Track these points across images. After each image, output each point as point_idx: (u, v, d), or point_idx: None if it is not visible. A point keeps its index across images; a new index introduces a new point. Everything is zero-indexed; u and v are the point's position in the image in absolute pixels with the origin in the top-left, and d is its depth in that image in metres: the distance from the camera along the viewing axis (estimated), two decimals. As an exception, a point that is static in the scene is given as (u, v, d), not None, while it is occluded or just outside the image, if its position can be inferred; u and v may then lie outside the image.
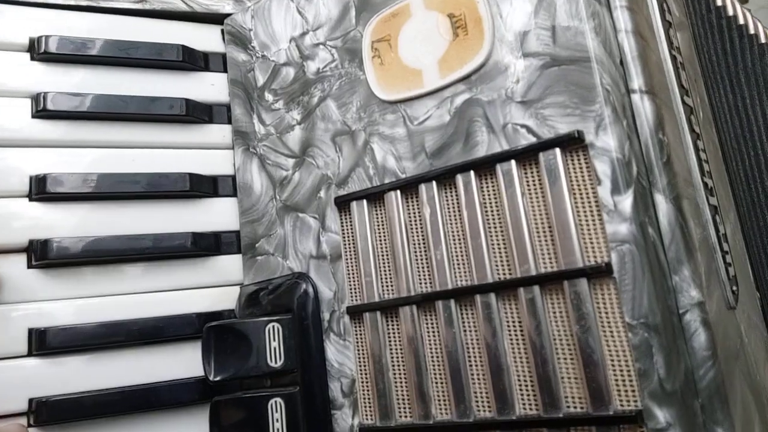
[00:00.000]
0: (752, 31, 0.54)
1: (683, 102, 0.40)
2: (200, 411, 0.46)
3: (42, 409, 0.42)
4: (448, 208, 0.40)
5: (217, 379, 0.43)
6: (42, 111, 0.46)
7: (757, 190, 0.48)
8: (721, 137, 0.47)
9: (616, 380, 0.33)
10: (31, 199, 0.45)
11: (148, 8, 0.52)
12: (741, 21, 0.54)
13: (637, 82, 0.36)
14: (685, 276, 0.34)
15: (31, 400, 0.42)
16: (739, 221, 0.46)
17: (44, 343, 0.42)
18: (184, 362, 0.46)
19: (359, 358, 0.42)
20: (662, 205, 0.35)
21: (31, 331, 0.43)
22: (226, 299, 0.49)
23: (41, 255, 0.44)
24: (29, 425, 0.41)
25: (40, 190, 0.45)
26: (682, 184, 0.36)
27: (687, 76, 0.43)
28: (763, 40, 0.53)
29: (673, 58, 0.41)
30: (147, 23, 0.52)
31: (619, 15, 0.37)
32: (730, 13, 0.54)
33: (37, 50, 0.48)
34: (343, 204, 0.44)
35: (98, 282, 0.46)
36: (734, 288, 0.39)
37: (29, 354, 0.43)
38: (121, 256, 0.46)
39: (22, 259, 0.44)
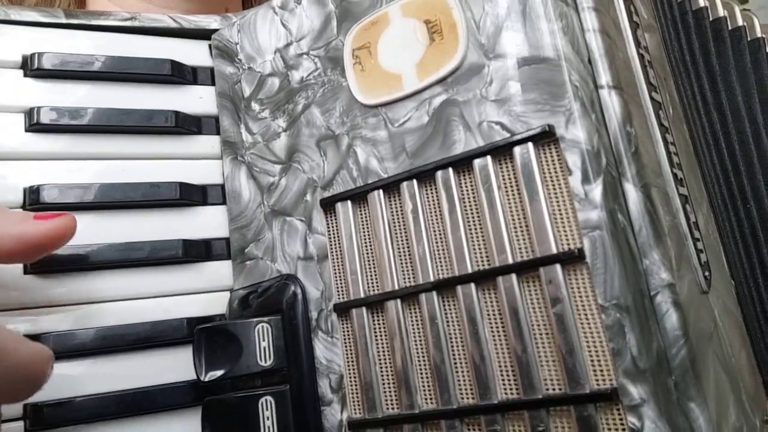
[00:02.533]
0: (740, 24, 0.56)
1: (651, 98, 0.42)
2: (193, 413, 0.46)
3: (37, 415, 0.43)
4: (429, 205, 0.41)
5: (209, 379, 0.44)
6: (35, 125, 0.48)
7: (728, 184, 0.50)
8: (693, 134, 0.49)
9: (592, 360, 0.34)
10: (25, 210, 0.46)
11: (138, 25, 0.54)
12: (721, 14, 0.56)
13: (604, 78, 0.38)
14: (654, 259, 0.36)
15: (25, 406, 0.43)
16: (713, 214, 0.47)
17: (39, 348, 0.43)
18: (176, 366, 0.47)
19: (347, 353, 0.43)
20: (631, 193, 0.37)
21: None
22: (216, 304, 0.50)
23: (34, 262, 0.45)
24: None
25: (34, 201, 0.46)
26: (651, 175, 0.38)
27: (656, 74, 0.45)
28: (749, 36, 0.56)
29: (641, 56, 0.43)
30: (137, 39, 0.54)
31: (586, 15, 0.39)
32: (701, 3, 0.56)
33: (30, 67, 0.49)
34: (328, 205, 0.45)
35: (93, 289, 0.47)
36: (706, 273, 0.40)
37: (24, 360, 0.44)
38: (114, 264, 0.48)
39: (18, 265, 0.45)
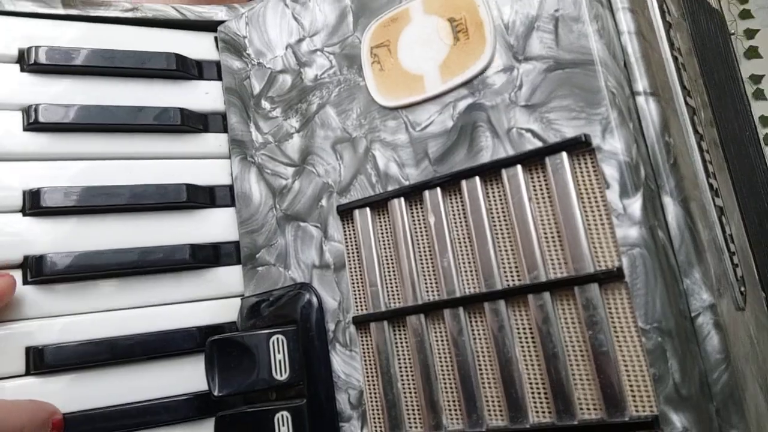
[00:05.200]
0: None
1: (686, 103, 0.40)
2: (200, 427, 0.45)
3: None
4: (454, 215, 0.39)
5: (222, 393, 0.42)
6: (34, 123, 0.45)
7: (758, 189, 0.48)
8: (721, 137, 0.47)
9: (631, 386, 0.33)
10: (25, 214, 0.44)
11: (140, 16, 0.51)
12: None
13: (641, 83, 0.36)
14: (696, 279, 0.34)
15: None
16: (743, 222, 0.46)
17: (43, 361, 0.41)
18: (185, 377, 0.45)
19: (366, 368, 0.41)
20: (671, 207, 0.35)
21: (28, 350, 0.42)
22: (226, 312, 0.48)
23: (37, 271, 0.43)
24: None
25: (34, 204, 0.44)
26: (689, 186, 0.36)
27: (688, 77, 0.43)
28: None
29: (675, 59, 0.40)
30: (139, 32, 0.51)
31: (621, 17, 0.37)
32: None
33: (27, 61, 0.46)
34: (345, 212, 0.43)
35: (96, 297, 0.45)
36: (742, 289, 0.39)
37: (27, 373, 0.42)
38: (118, 270, 0.45)
39: (18, 275, 0.42)
